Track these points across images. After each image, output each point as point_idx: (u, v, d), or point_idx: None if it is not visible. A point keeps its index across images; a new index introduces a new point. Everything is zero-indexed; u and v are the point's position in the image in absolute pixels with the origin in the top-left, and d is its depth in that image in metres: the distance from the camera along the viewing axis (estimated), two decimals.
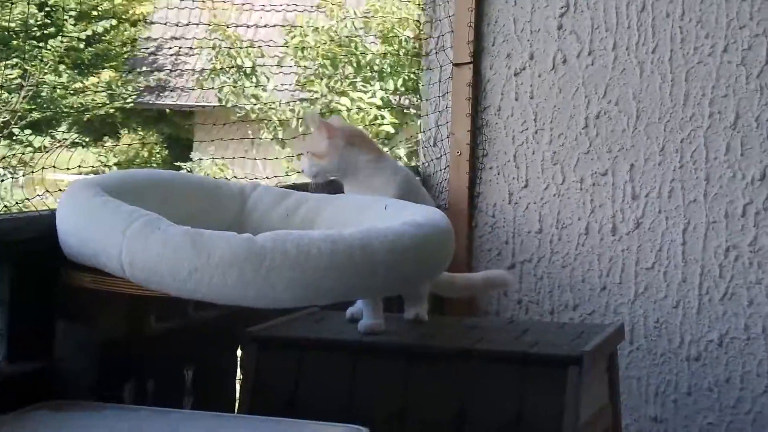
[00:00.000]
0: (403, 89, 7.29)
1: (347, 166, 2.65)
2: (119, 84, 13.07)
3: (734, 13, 3.53)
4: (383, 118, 7.41)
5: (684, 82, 3.58)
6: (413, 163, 4.09)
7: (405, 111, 7.37)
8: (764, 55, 3.51)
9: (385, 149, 7.10)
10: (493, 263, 3.79)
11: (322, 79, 7.19)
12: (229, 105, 7.23)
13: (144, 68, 13.42)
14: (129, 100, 12.61)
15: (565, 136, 3.70)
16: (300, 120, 6.85)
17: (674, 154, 3.60)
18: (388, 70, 7.19)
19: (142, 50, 13.59)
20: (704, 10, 3.56)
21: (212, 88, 7.67)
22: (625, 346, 3.62)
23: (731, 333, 3.58)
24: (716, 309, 3.59)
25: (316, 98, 7.12)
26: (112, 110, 12.79)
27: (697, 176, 3.59)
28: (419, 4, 3.95)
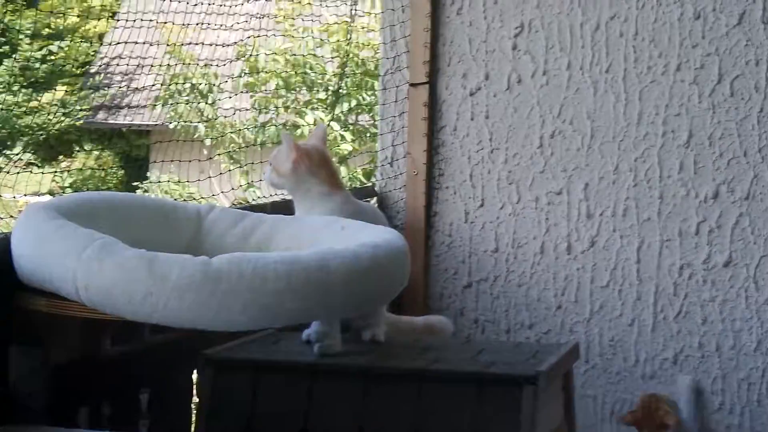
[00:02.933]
0: (360, 109, 7.30)
1: (300, 188, 2.69)
2: (74, 102, 13.00)
3: (687, 32, 3.57)
4: (343, 138, 7.41)
5: (638, 101, 3.61)
6: (370, 183, 4.10)
7: (363, 131, 7.38)
8: (717, 74, 3.55)
9: (344, 168, 7.10)
10: (450, 282, 3.80)
11: (279, 98, 7.19)
12: (178, 126, 7.21)
13: (99, 87, 13.36)
14: (82, 117, 12.53)
15: (521, 155, 3.72)
16: (258, 136, 6.85)
17: (628, 173, 3.63)
18: (346, 90, 7.20)
19: (97, 68, 13.52)
20: (657, 29, 3.59)
21: (167, 104, 7.65)
22: (580, 364, 3.64)
23: (686, 351, 3.61)
24: (671, 327, 3.61)
25: (272, 119, 7.12)
26: (67, 129, 12.72)
27: (651, 195, 3.62)
28: (374, 29, 3.97)
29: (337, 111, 7.31)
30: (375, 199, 3.86)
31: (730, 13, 3.54)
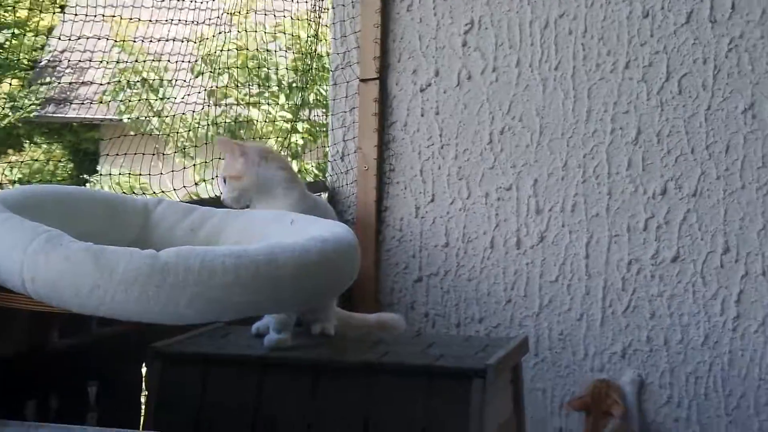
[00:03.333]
0: (312, 104, 7.28)
1: (265, 182, 2.65)
2: (23, 95, 12.87)
3: (635, 30, 3.60)
4: (296, 131, 7.39)
5: (586, 98, 3.64)
6: (321, 178, 4.10)
7: (314, 126, 7.36)
8: (665, 72, 3.58)
9: (296, 163, 7.09)
10: (401, 277, 3.81)
11: (237, 86, 7.15)
12: (126, 120, 7.15)
13: (48, 79, 13.24)
14: (32, 111, 12.41)
15: (470, 151, 3.73)
16: (209, 130, 6.81)
17: (577, 169, 3.66)
18: (297, 84, 7.18)
19: (46, 61, 13.40)
20: (606, 27, 3.62)
21: (117, 100, 7.60)
22: (530, 358, 3.66)
23: (634, 345, 3.64)
24: (619, 321, 3.64)
25: (225, 110, 7.08)
26: (15, 122, 12.60)
27: (599, 191, 3.64)
28: (326, 25, 3.97)
29: (291, 104, 7.29)
30: (326, 193, 3.86)
31: (678, 12, 3.57)
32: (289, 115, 7.43)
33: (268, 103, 7.14)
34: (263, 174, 2.66)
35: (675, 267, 3.60)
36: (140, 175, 3.27)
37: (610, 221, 3.64)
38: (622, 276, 3.63)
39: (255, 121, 7.06)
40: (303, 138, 7.51)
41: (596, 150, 3.64)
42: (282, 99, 7.42)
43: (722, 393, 3.58)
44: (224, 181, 2.67)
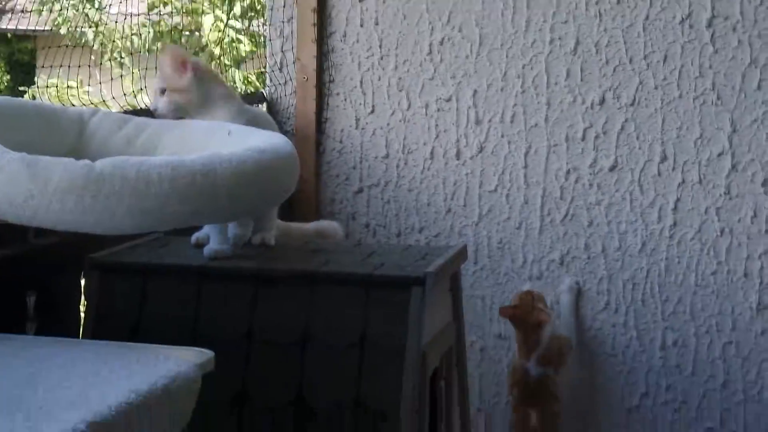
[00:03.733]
0: (251, 13, 7.22)
1: (205, 101, 2.65)
2: None
3: None
4: (240, 42, 7.33)
5: (525, 8, 3.64)
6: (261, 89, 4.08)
7: (257, 35, 7.30)
8: None
9: (238, 74, 7.04)
10: (342, 188, 3.82)
11: None
12: (62, 32, 7.05)
13: None
14: None
15: (410, 62, 3.73)
16: (149, 45, 6.75)
17: (516, 80, 3.67)
18: None
19: None
20: None
21: (54, 11, 7.49)
22: (469, 266, 3.70)
23: (572, 252, 3.68)
24: (557, 229, 3.69)
25: (162, 19, 7.00)
26: None
27: (538, 101, 3.66)
28: None
29: (232, 14, 7.22)
30: (265, 105, 3.85)
31: None
32: (237, 24, 7.37)
33: (204, 13, 7.07)
34: (204, 92, 2.65)
35: (613, 176, 3.63)
36: (77, 88, 3.24)
37: (549, 131, 3.66)
38: (561, 185, 3.67)
39: (194, 31, 6.98)
40: (246, 51, 7.47)
41: (535, 60, 3.65)
42: (221, 12, 7.35)
43: (659, 299, 3.64)
44: (161, 93, 2.65)
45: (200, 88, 2.65)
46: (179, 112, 2.64)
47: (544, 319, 3.47)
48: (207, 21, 7.11)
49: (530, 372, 3.51)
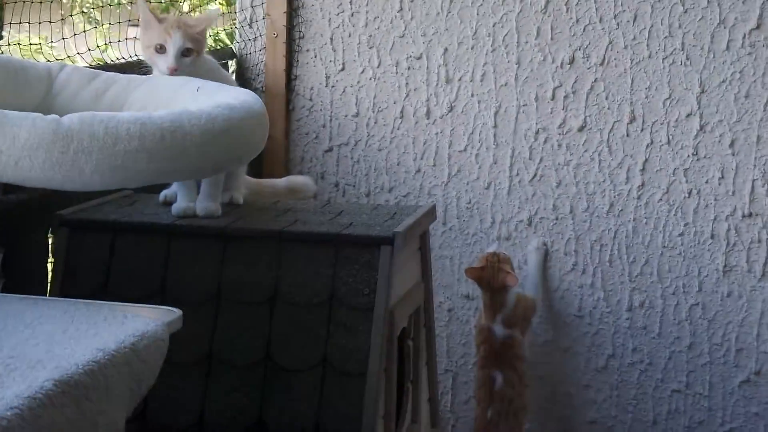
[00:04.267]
0: None
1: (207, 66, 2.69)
2: None
3: None
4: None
5: None
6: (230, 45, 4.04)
7: None
8: None
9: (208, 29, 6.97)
10: (311, 146, 3.81)
11: None
12: None
13: None
14: None
15: (381, 19, 3.71)
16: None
17: (487, 38, 3.66)
18: None
19: None
20: None
21: None
22: (438, 226, 3.71)
23: (540, 213, 3.69)
24: (526, 190, 3.69)
25: None
26: None
27: (508, 60, 3.65)
28: None
29: None
30: (234, 61, 3.82)
31: None
32: None
33: None
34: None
35: (582, 136, 3.64)
36: (40, 45, 3.19)
37: (519, 90, 3.66)
38: (530, 145, 3.67)
39: None
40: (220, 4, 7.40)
41: (505, 18, 3.64)
42: None
43: (626, 260, 3.66)
44: (187, 54, 2.63)
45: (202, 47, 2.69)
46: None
47: (510, 282, 3.48)
48: None
49: (495, 333, 3.52)
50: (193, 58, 2.63)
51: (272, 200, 2.88)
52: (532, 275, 3.67)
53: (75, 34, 3.29)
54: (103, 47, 3.73)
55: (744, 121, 3.54)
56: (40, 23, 3.34)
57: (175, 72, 2.59)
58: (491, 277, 3.49)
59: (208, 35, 2.67)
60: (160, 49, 2.60)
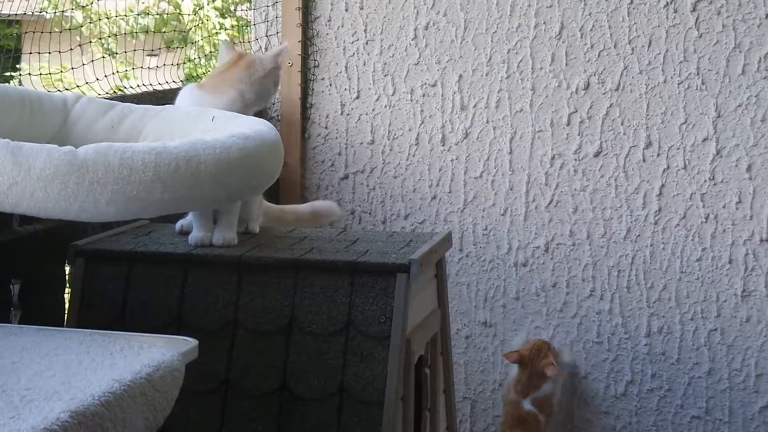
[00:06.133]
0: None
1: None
2: None
3: None
4: (222, 27, 7.32)
5: None
6: None
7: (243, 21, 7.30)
8: None
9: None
10: (326, 174, 3.81)
11: None
12: (48, 16, 7.04)
13: None
14: None
15: (395, 47, 3.72)
16: (133, 31, 6.74)
17: (501, 65, 3.66)
18: None
19: None
20: None
21: None
22: (455, 253, 3.70)
23: (557, 239, 3.68)
24: (542, 216, 3.68)
25: (148, 7, 7.00)
26: None
27: (523, 86, 3.65)
28: None
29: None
30: None
31: None
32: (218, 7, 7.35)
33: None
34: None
35: (598, 161, 3.63)
36: (62, 72, 3.21)
37: (534, 116, 3.66)
38: (546, 171, 3.67)
39: (181, 14, 6.96)
40: (229, 35, 7.45)
41: (520, 45, 3.65)
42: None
43: (644, 286, 3.64)
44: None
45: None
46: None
47: (551, 372, 3.48)
48: (187, 6, 7.10)
49: (523, 407, 3.54)
50: None
51: (296, 226, 2.89)
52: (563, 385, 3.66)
53: (93, 61, 3.30)
54: (122, 75, 3.75)
55: (761, 145, 3.53)
56: (60, 52, 3.36)
57: None
58: (535, 358, 3.50)
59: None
60: None
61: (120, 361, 1.72)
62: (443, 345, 2.84)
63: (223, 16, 7.47)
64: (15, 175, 1.94)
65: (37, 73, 3.02)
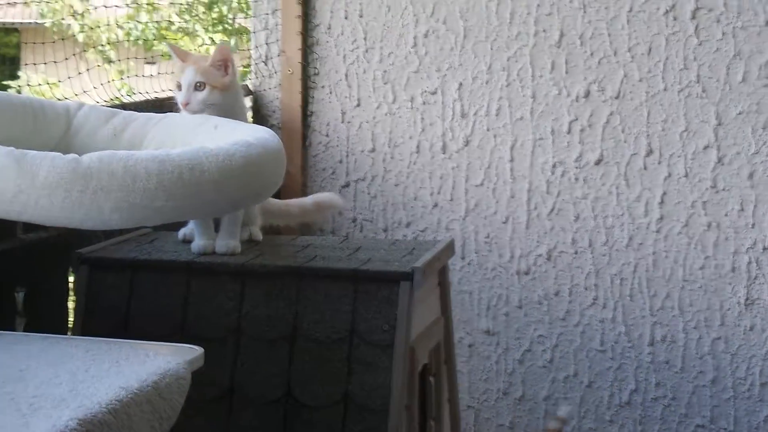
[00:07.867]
0: (239, 8, 7.22)
1: (233, 104, 2.63)
2: None
3: None
4: (213, 41, 7.32)
5: (509, 0, 3.63)
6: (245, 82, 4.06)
7: (242, 30, 7.31)
8: None
9: None
10: (328, 182, 3.81)
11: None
12: (50, 24, 7.05)
13: None
14: None
15: (395, 55, 3.72)
16: (131, 34, 6.74)
17: (501, 73, 3.66)
18: None
19: None
20: None
21: (39, 1, 7.49)
22: (457, 261, 3.70)
23: (559, 247, 3.68)
24: (544, 224, 3.68)
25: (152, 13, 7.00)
26: None
27: (523, 94, 3.65)
28: None
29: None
30: (250, 98, 3.83)
31: None
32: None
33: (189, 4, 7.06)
34: (236, 92, 2.64)
35: (599, 169, 3.63)
36: (60, 81, 3.20)
37: (534, 124, 3.66)
38: (547, 179, 3.66)
39: (174, 23, 6.96)
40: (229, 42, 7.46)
41: (520, 53, 3.65)
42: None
43: (647, 294, 3.64)
44: (197, 88, 2.58)
45: (235, 90, 2.63)
46: (209, 110, 2.59)
47: None
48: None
49: None
50: (207, 92, 2.58)
51: (302, 220, 2.88)
52: None
53: (88, 69, 3.30)
54: (121, 85, 3.75)
55: (762, 153, 3.53)
56: (55, 63, 3.36)
57: (187, 107, 2.57)
58: None
59: (231, 71, 2.63)
60: (179, 87, 2.59)
61: (126, 369, 1.71)
62: (447, 353, 2.83)
63: (207, 30, 7.47)
64: (20, 183, 1.93)
65: (36, 83, 3.02)
